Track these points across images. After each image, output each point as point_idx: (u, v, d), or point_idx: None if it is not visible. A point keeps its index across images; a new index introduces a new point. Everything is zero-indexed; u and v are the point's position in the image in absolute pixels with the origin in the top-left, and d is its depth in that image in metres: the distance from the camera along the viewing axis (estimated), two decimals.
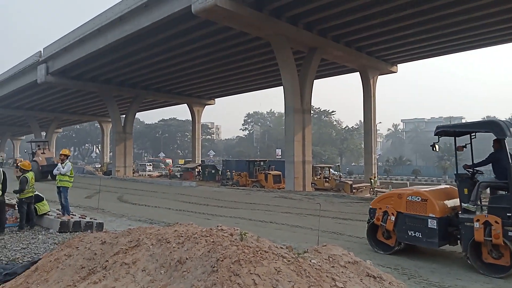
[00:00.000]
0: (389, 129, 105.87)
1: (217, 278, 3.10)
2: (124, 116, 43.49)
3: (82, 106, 53.10)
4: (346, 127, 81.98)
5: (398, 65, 33.22)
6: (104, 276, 3.80)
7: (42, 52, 34.67)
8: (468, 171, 7.19)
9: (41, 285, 4.16)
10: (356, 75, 31.76)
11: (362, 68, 30.29)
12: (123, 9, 24.24)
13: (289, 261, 3.29)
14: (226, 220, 11.73)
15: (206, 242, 3.75)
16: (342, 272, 3.46)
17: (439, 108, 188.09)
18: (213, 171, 38.90)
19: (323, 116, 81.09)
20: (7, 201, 9.41)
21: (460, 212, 6.89)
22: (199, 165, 42.81)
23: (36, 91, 41.27)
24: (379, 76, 32.35)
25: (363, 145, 39.74)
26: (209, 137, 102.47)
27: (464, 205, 6.81)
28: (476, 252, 6.52)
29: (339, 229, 8.79)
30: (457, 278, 6.26)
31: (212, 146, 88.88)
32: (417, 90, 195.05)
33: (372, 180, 27.53)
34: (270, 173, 27.35)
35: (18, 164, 9.80)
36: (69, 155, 10.44)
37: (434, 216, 6.96)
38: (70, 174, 10.02)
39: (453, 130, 7.54)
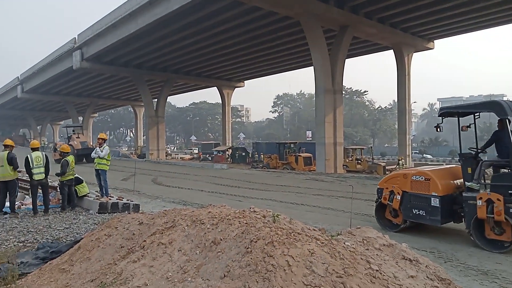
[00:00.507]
0: (424, 109, 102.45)
1: (251, 259, 3.14)
2: (156, 100, 44.31)
3: (116, 91, 54.49)
4: (379, 107, 79.98)
5: (435, 41, 31.74)
6: (142, 256, 3.93)
7: (76, 38, 35.63)
8: (472, 150, 7.42)
9: (84, 263, 4.38)
10: (390, 53, 30.68)
11: (397, 46, 29.16)
12: None
13: (322, 243, 3.27)
14: (257, 202, 11.83)
15: (240, 223, 3.79)
16: (377, 254, 3.41)
17: (478, 86, 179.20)
18: (243, 154, 39.18)
19: (355, 96, 79.37)
20: (50, 184, 9.90)
21: (464, 190, 7.11)
22: (229, 148, 43.22)
23: (73, 77, 42.68)
24: (414, 54, 31.07)
25: (396, 126, 38.64)
26: (239, 119, 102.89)
27: (467, 183, 7.02)
28: (479, 229, 6.72)
29: (372, 212, 8.64)
30: (497, 262, 6.05)
31: (242, 129, 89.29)
32: (455, 68, 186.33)
33: (400, 162, 26.83)
34: (300, 155, 27.21)
35: (58, 148, 10.24)
36: (106, 139, 10.79)
37: (436, 194, 7.21)
38: (108, 157, 10.36)
39: (456, 111, 7.72)
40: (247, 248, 3.28)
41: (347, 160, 26.48)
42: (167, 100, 48.41)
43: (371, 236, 3.74)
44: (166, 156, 45.23)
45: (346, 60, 25.86)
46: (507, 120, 6.63)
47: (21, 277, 4.71)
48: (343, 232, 3.96)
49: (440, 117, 7.67)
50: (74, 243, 5.21)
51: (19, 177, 9.81)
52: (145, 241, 4.22)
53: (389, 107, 78.99)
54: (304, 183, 17.32)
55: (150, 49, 32.29)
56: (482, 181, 6.99)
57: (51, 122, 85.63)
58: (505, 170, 6.95)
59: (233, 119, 76.20)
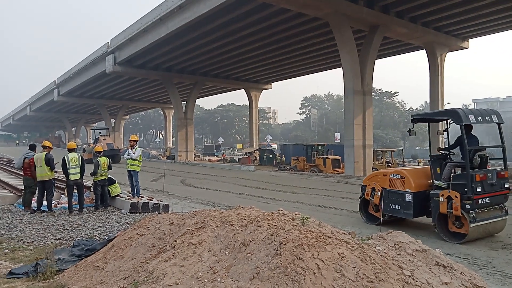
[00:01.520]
0: None
1: (280, 261, 3.15)
2: (185, 102, 45.08)
3: (146, 94, 55.84)
4: (410, 108, 77.85)
5: (469, 40, 30.64)
6: (173, 255, 4.01)
7: (109, 43, 36.82)
8: (441, 152, 8.27)
9: (118, 261, 4.51)
10: (422, 53, 29.86)
11: (429, 45, 28.35)
12: None
13: (353, 247, 3.23)
14: (285, 204, 11.79)
15: (269, 225, 3.80)
16: (409, 260, 3.33)
17: None
18: (270, 156, 39.17)
19: (385, 97, 77.71)
20: (84, 184, 10.26)
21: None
22: (256, 150, 43.33)
23: (105, 80, 44.11)
24: (447, 53, 30.10)
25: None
26: (266, 121, 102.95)
27: (436, 182, 7.77)
28: (443, 223, 7.55)
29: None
30: None
31: (269, 131, 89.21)
32: (491, 68, 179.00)
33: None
34: (328, 158, 26.89)
35: (85, 149, 10.67)
36: (137, 141, 11.07)
37: (410, 191, 8.02)
38: (139, 159, 10.63)
39: (423, 118, 9.07)
40: (277, 250, 3.28)
41: (377, 163, 25.95)
42: (196, 103, 49.14)
43: (403, 241, 3.66)
44: (194, 157, 45.88)
45: (376, 60, 25.40)
46: (463, 126, 7.37)
47: (58, 273, 4.91)
48: (373, 236, 3.89)
49: (412, 123, 8.56)
50: (107, 241, 5.37)
51: (55, 177, 10.22)
52: (175, 241, 4.31)
53: (421, 108, 76.81)
54: (333, 186, 17.11)
55: (179, 52, 32.91)
56: (449, 181, 7.60)
57: (85, 124, 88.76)
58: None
59: (260, 121, 76.36)
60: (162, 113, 70.91)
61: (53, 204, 9.69)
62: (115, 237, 5.34)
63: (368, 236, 3.87)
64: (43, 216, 9.02)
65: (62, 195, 10.85)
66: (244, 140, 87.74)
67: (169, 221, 4.90)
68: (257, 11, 23.60)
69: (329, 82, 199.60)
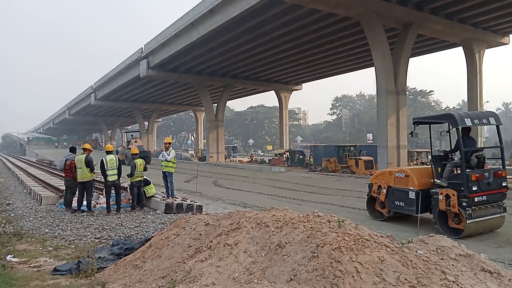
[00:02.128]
0: (498, 109, 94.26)
1: (318, 263, 3.11)
2: (216, 104, 45.60)
3: (178, 97, 56.93)
4: (446, 107, 75.12)
5: (510, 35, 29.19)
6: (209, 255, 4.07)
7: (143, 48, 37.84)
8: (442, 153, 8.86)
9: (155, 260, 4.62)
10: (459, 50, 28.74)
11: (466, 42, 27.23)
12: (213, 1, 25.16)
13: (393, 250, 3.15)
14: (317, 206, 11.68)
15: (304, 227, 3.78)
16: (452, 265, 3.21)
17: None
18: (301, 157, 38.91)
19: (419, 96, 75.40)
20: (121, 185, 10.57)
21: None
22: (287, 151, 43.16)
23: (139, 84, 45.36)
24: (486, 50, 28.82)
25: None
26: (296, 122, 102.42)
27: (437, 181, 8.29)
28: (443, 219, 8.07)
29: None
30: None
31: (299, 132, 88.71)
32: None
33: None
34: (361, 159, 26.40)
35: (118, 151, 11.09)
36: (171, 143, 11.31)
37: (413, 188, 8.56)
38: (173, 160, 10.85)
39: (423, 121, 9.37)
40: (314, 253, 3.25)
41: (412, 164, 25.22)
42: (226, 105, 49.60)
43: (445, 245, 3.53)
44: (225, 159, 46.31)
45: (410, 59, 24.69)
46: (459, 128, 7.92)
47: (99, 271, 5.08)
48: (414, 240, 3.78)
49: (414, 125, 9.17)
50: (145, 241, 5.51)
51: (94, 178, 10.61)
52: (211, 241, 4.36)
53: (458, 107, 73.96)
54: (366, 187, 16.74)
55: (210, 55, 33.34)
56: (449, 180, 8.11)
57: (120, 126, 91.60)
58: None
59: (290, 122, 76.03)
60: (193, 115, 72.02)
61: (92, 204, 10.06)
62: (152, 236, 5.47)
63: (408, 240, 3.76)
64: (83, 215, 9.38)
65: (101, 196, 11.23)
66: (274, 142, 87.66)
67: (205, 222, 4.96)
68: (287, 13, 23.54)
69: (361, 82, 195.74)
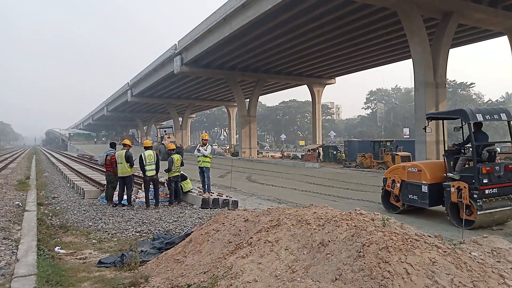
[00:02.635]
0: None
1: (364, 263, 3.02)
2: (248, 100, 45.73)
3: (211, 93, 57.57)
4: (488, 100, 71.59)
5: None
6: (250, 252, 4.05)
7: (177, 44, 38.47)
8: (455, 148, 9.27)
9: (196, 255, 4.67)
10: (503, 40, 27.19)
11: (511, 31, 25.75)
12: None
13: (445, 251, 3.01)
14: (354, 203, 11.45)
15: (348, 226, 3.69)
16: (511, 268, 3.02)
17: None
18: (334, 152, 38.33)
19: (459, 89, 72.29)
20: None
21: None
22: (320, 146, 42.67)
23: (173, 80, 46.21)
24: None
25: None
26: (329, 117, 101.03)
27: (449, 174, 8.64)
28: (455, 211, 8.44)
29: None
30: None
31: (333, 127, 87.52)
32: None
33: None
34: (398, 154, 25.61)
35: (152, 146, 11.51)
36: (208, 139, 11.43)
37: (426, 182, 8.96)
38: (210, 156, 10.96)
39: (437, 116, 10.44)
40: (359, 252, 3.16)
41: None
42: (258, 100, 49.63)
43: (501, 247, 3.33)
44: (257, 154, 46.41)
45: (450, 49, 23.64)
46: (471, 124, 8.21)
47: (141, 264, 5.21)
48: (466, 241, 3.59)
49: (427, 120, 9.73)
50: (185, 235, 5.59)
51: (134, 173, 10.90)
52: (251, 238, 4.35)
53: (501, 100, 70.24)
54: None
55: (242, 50, 33.40)
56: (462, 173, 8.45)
57: (155, 122, 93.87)
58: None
59: (323, 117, 75.09)
60: (226, 111, 72.68)
61: (132, 198, 10.35)
62: (192, 231, 5.54)
63: (460, 241, 3.59)
64: (124, 209, 9.67)
65: (140, 190, 11.53)
66: (306, 137, 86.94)
67: (244, 218, 4.96)
68: (320, 5, 23.13)
69: (396, 75, 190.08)
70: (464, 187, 8.08)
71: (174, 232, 7.26)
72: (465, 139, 8.96)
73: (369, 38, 29.33)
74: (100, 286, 4.55)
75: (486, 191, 8.02)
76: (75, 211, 9.66)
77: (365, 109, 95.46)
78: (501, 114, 8.60)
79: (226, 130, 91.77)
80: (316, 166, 27.18)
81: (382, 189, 10.47)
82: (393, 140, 29.82)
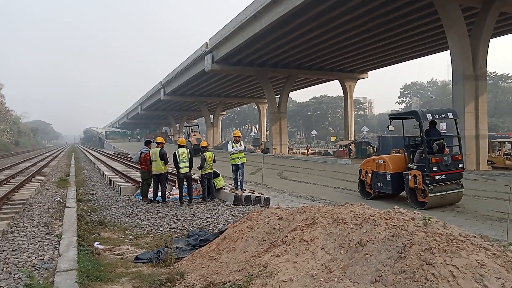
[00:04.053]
0: None
1: (406, 265, 2.90)
2: (278, 96, 45.55)
3: (241, 90, 57.81)
4: None
5: None
6: (285, 251, 4.00)
7: (208, 43, 38.85)
8: (412, 142, 11.00)
9: (231, 253, 4.67)
10: None
11: None
12: None
13: (494, 254, 2.83)
14: (389, 202, 11.14)
15: (387, 225, 3.55)
16: None
17: None
18: (367, 148, 37.48)
19: (500, 81, 68.87)
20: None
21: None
22: (352, 142, 41.87)
23: (204, 78, 46.74)
24: None
25: None
26: (362, 112, 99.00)
27: (409, 165, 10.38)
28: (413, 195, 10.22)
29: None
30: None
31: (365, 122, 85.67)
32: None
33: None
34: None
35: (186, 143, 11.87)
36: (241, 136, 11.49)
37: (389, 172, 10.84)
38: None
39: (396, 116, 12.58)
40: (400, 253, 3.03)
41: (493, 155, 23.09)
42: (289, 96, 49.31)
43: None
44: (288, 150, 46.18)
45: (491, 40, 22.49)
46: (421, 122, 9.94)
47: (177, 261, 5.28)
48: None
49: (389, 120, 11.74)
50: (219, 232, 5.61)
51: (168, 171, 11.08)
52: (286, 236, 4.29)
53: None
54: None
55: (272, 47, 33.26)
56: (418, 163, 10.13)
57: (187, 120, 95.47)
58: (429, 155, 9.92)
59: (355, 112, 73.59)
60: (256, 107, 72.82)
61: (166, 195, 10.54)
62: (226, 229, 5.55)
63: (510, 242, 3.37)
64: (158, 206, 9.87)
65: (174, 187, 11.73)
66: (338, 133, 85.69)
67: (278, 216, 4.91)
68: None
69: (432, 68, 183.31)
70: (419, 174, 9.85)
71: (207, 229, 7.31)
72: (424, 134, 10.25)
73: (404, 30, 28.43)
74: (138, 282, 4.64)
75: (436, 177, 9.74)
76: (112, 208, 9.96)
77: (399, 104, 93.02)
78: (448, 113, 10.40)
79: (257, 127, 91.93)
80: (349, 162, 26.66)
81: (358, 179, 12.28)
82: None
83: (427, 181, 9.66)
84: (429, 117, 10.12)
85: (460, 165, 10.22)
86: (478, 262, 2.71)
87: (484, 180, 15.40)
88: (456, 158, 10.16)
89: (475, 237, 3.39)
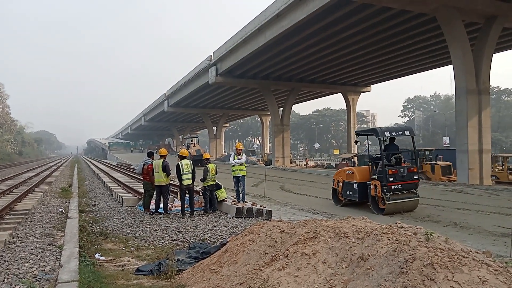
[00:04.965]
0: None
1: (407, 280, 2.89)
2: (281, 109, 45.73)
3: (245, 102, 58.12)
4: None
5: None
6: (286, 264, 3.99)
7: (212, 55, 39.23)
8: (376, 156, 12.55)
9: (232, 266, 4.65)
10: None
11: None
12: (280, 6, 25.30)
13: (496, 270, 2.81)
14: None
15: (389, 240, 3.54)
16: None
17: None
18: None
19: (503, 96, 68.87)
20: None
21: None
22: (355, 155, 41.80)
23: (208, 91, 47.08)
24: None
25: None
26: (365, 125, 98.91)
27: (372, 176, 11.61)
28: (375, 202, 11.46)
29: None
30: None
31: None
32: None
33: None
34: (438, 164, 24.61)
35: (179, 155, 12.25)
36: (243, 149, 11.52)
37: (356, 181, 12.06)
38: (245, 164, 11.02)
39: (361, 133, 13.98)
40: (402, 268, 3.02)
41: (497, 170, 22.99)
42: (292, 109, 49.49)
43: None
44: (291, 163, 46.12)
45: (493, 54, 22.62)
46: (380, 139, 11.60)
47: (178, 273, 5.26)
48: None
49: (356, 135, 14.05)
50: (221, 245, 5.60)
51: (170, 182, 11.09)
52: (288, 249, 4.28)
53: None
54: (445, 195, 15.58)
55: (276, 60, 33.55)
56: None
57: (191, 132, 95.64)
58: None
59: (358, 125, 73.64)
60: (259, 120, 73.04)
61: (168, 207, 10.52)
62: (228, 241, 5.54)
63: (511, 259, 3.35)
64: (160, 217, 9.85)
65: (175, 199, 11.73)
66: (341, 146, 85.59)
67: (280, 229, 4.90)
68: (355, 13, 22.89)
69: (435, 82, 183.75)
70: (378, 184, 11.14)
71: (209, 242, 7.29)
72: (383, 150, 11.74)
73: (407, 44, 28.66)
74: None
75: (392, 187, 10.97)
76: (114, 219, 9.94)
77: (402, 117, 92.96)
78: (405, 131, 11.92)
79: (259, 139, 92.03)
80: None
81: (331, 187, 13.56)
82: (432, 149, 28.68)
83: (385, 190, 10.93)
84: (387, 134, 11.47)
85: (415, 177, 11.50)
86: (480, 278, 2.70)
87: (488, 195, 15.29)
88: (411, 170, 11.41)
89: (477, 252, 3.37)
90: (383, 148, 11.52)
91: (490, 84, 24.25)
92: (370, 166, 11.93)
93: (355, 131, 13.99)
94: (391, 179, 10.92)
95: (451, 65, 22.36)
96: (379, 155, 11.96)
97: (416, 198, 11.36)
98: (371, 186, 11.38)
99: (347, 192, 12.46)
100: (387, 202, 10.88)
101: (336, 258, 3.75)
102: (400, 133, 11.90)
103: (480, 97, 21.41)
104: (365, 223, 4.21)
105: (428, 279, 2.79)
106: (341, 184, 12.77)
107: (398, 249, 3.26)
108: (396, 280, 2.95)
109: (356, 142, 13.90)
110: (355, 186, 12.00)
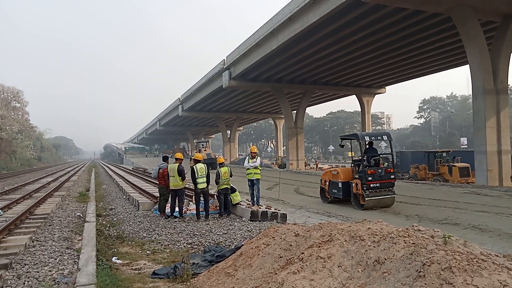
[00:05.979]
0: None
1: (425, 284, 2.84)
2: (295, 112, 45.62)
3: (258, 105, 58.19)
4: None
5: None
6: (301, 268, 3.97)
7: (225, 59, 39.45)
8: (358, 158, 14.18)
9: (247, 269, 4.65)
10: None
11: None
12: (292, 9, 25.30)
13: None
14: (409, 219, 10.92)
15: (405, 243, 3.50)
16: None
17: None
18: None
19: None
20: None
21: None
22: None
23: (222, 95, 47.32)
24: None
25: None
26: (380, 127, 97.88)
27: (355, 176, 13.06)
28: (356, 199, 12.84)
29: None
30: None
31: None
32: None
33: None
34: (455, 165, 24.15)
35: (192, 158, 12.93)
36: (257, 151, 11.53)
37: (340, 181, 13.42)
38: (259, 167, 11.01)
39: (344, 137, 14.81)
40: (419, 272, 2.98)
41: None
42: (305, 111, 49.31)
43: None
44: (305, 166, 45.90)
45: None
46: (360, 143, 13.01)
47: (193, 277, 5.28)
48: None
49: (340, 139, 14.69)
50: (236, 249, 5.61)
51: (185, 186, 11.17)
52: (303, 253, 4.26)
53: None
54: (463, 197, 15.28)
55: (289, 63, 33.52)
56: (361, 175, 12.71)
57: (205, 136, 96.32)
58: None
59: (373, 127, 72.86)
60: (273, 123, 73.00)
61: (183, 211, 10.60)
62: (242, 245, 5.54)
63: None
64: (176, 221, 9.92)
65: (190, 202, 11.80)
66: (355, 148, 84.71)
67: (294, 232, 4.88)
68: (368, 14, 22.71)
69: (452, 82, 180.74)
70: (359, 183, 12.53)
71: (224, 245, 7.31)
72: (363, 152, 13.02)
73: (422, 45, 28.28)
74: None
75: (371, 185, 12.29)
76: (131, 222, 10.07)
77: (418, 118, 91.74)
78: (383, 136, 13.91)
79: (273, 142, 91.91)
80: None
81: (320, 187, 14.87)
82: (449, 151, 28.14)
83: (365, 188, 12.30)
84: (367, 138, 13.08)
85: (392, 176, 12.86)
86: (501, 283, 2.63)
87: (508, 197, 14.92)
88: (388, 171, 12.87)
89: (497, 256, 3.30)
90: (363, 151, 12.86)
91: (509, 83, 23.72)
92: (353, 167, 13.44)
93: (339, 136, 15.01)
94: (370, 178, 12.29)
95: (468, 65, 21.95)
96: (359, 157, 13.45)
97: (393, 195, 12.69)
98: (353, 185, 12.76)
99: (333, 190, 13.80)
100: (366, 199, 12.24)
101: (351, 261, 3.72)
102: (378, 137, 14.20)
103: (498, 97, 20.94)
104: (381, 226, 4.16)
105: (446, 283, 2.74)
106: (327, 183, 14.17)
107: (415, 252, 3.22)
108: (414, 284, 2.91)
109: (341, 146, 14.48)
110: (340, 185, 13.35)
